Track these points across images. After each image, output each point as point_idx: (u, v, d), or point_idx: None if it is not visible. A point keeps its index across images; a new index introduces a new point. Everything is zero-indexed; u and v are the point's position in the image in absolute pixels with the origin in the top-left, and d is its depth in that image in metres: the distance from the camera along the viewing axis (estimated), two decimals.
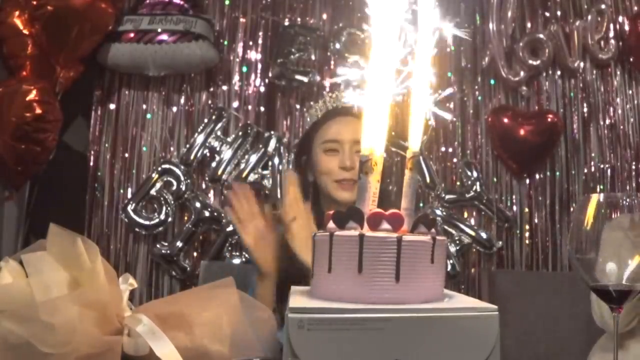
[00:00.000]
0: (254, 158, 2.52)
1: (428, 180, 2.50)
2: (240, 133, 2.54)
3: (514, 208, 2.52)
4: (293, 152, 2.54)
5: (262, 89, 2.62)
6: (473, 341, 0.61)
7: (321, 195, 1.54)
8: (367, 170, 0.70)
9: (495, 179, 2.55)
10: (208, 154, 2.53)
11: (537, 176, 2.54)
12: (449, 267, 2.39)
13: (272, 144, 2.54)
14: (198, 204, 2.47)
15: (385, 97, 0.75)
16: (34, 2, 2.29)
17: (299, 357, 0.59)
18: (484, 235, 2.46)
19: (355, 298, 0.63)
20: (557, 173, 2.53)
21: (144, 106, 2.59)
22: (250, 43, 2.64)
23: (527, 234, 2.51)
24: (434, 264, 0.65)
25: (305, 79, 2.57)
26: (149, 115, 2.58)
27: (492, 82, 2.60)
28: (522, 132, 2.46)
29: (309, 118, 1.67)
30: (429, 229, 0.68)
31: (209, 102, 2.59)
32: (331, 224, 0.67)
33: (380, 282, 0.63)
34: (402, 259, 0.63)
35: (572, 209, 2.45)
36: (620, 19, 2.55)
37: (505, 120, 2.49)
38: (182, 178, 2.48)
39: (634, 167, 2.51)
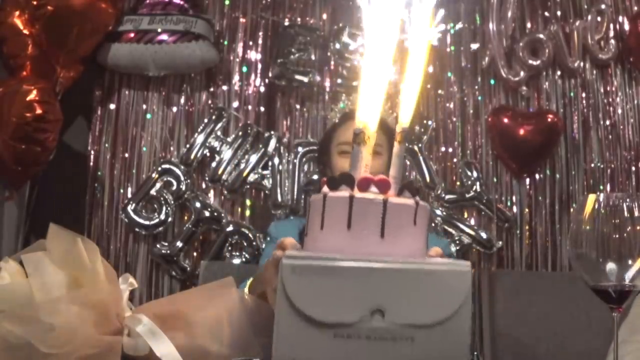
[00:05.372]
0: (254, 158, 2.52)
1: (428, 180, 2.50)
2: (240, 133, 2.54)
3: (514, 208, 2.52)
4: (293, 152, 2.54)
5: (262, 89, 2.62)
6: (447, 293, 0.66)
7: None
8: (359, 141, 0.76)
9: (495, 179, 2.54)
10: (208, 154, 2.53)
11: (537, 176, 2.54)
12: None
13: (272, 144, 2.54)
14: (198, 204, 2.47)
15: (382, 73, 0.80)
16: (34, 2, 2.29)
17: (291, 299, 0.66)
18: (484, 235, 2.45)
19: (344, 251, 0.69)
20: (557, 173, 2.53)
21: (144, 106, 2.59)
22: (250, 43, 2.64)
23: (527, 234, 2.51)
24: (416, 226, 0.72)
25: (305, 79, 2.57)
26: (149, 115, 2.58)
27: (492, 82, 2.59)
28: (522, 132, 2.46)
29: (330, 120, 1.69)
30: (413, 196, 0.74)
31: (209, 102, 2.60)
32: (325, 188, 0.73)
33: (367, 237, 0.69)
34: (387, 218, 0.70)
35: (572, 209, 2.45)
36: (620, 19, 2.55)
37: (505, 120, 2.49)
38: (182, 178, 2.48)
39: (633, 167, 2.51)
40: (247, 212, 2.52)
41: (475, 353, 2.42)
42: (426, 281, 0.67)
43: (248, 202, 2.53)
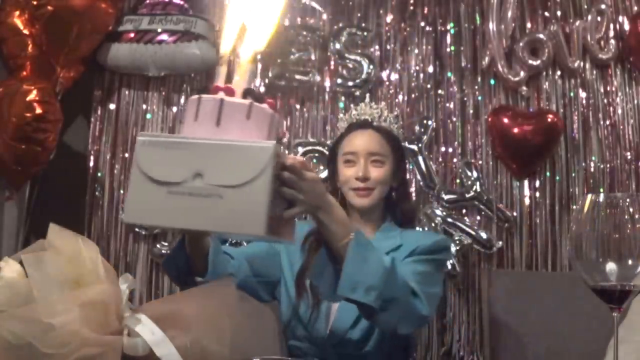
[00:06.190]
0: None
1: (428, 180, 2.50)
2: None
3: (514, 208, 2.52)
4: (293, 152, 2.54)
5: (262, 89, 2.62)
6: (249, 162, 0.88)
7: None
8: (221, 63, 1.00)
9: (495, 179, 2.54)
10: None
11: (537, 176, 2.54)
12: (449, 267, 2.38)
13: None
14: None
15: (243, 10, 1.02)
16: (34, 2, 2.29)
17: (139, 165, 0.92)
18: (484, 235, 2.45)
19: (193, 137, 0.93)
20: (557, 173, 2.53)
21: (144, 106, 2.59)
22: None
23: (527, 234, 2.50)
24: (249, 120, 0.94)
25: (305, 79, 2.57)
26: (149, 115, 2.58)
27: (492, 82, 2.59)
28: (522, 132, 2.46)
29: (337, 130, 1.77)
30: (257, 100, 0.96)
31: None
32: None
33: (207, 126, 0.93)
34: (223, 112, 0.92)
35: (572, 209, 2.45)
36: (620, 19, 2.55)
37: (505, 120, 2.49)
38: None
39: (633, 167, 2.51)
40: None
41: (475, 353, 2.43)
42: (233, 153, 0.89)
43: None
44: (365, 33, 2.61)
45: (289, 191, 1.01)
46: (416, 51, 2.63)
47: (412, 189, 2.47)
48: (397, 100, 2.61)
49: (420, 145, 2.52)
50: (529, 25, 2.59)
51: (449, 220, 2.46)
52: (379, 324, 1.32)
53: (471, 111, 2.59)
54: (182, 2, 2.54)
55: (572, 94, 2.56)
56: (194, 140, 0.91)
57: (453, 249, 2.41)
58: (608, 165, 2.51)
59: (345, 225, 1.17)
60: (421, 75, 2.61)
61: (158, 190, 0.90)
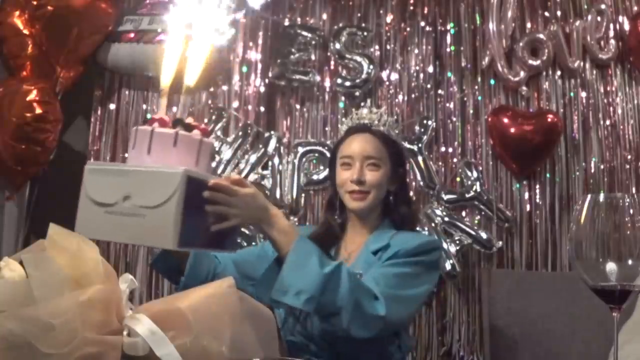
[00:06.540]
0: (253, 158, 2.52)
1: (428, 180, 2.50)
2: (240, 133, 2.54)
3: (514, 208, 2.52)
4: (293, 152, 2.54)
5: (262, 89, 2.62)
6: (163, 186, 1.02)
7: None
8: (162, 96, 1.13)
9: (495, 179, 2.54)
10: None
11: (537, 176, 2.54)
12: (449, 267, 2.38)
13: (272, 144, 2.54)
14: None
15: (176, 49, 1.13)
16: (34, 2, 2.29)
17: (86, 189, 1.10)
18: (484, 235, 2.45)
19: (125, 165, 1.09)
20: (557, 173, 2.53)
21: (144, 106, 2.59)
22: (250, 43, 2.64)
23: (527, 234, 2.50)
24: (176, 147, 1.06)
25: (305, 79, 2.57)
26: (149, 116, 2.58)
27: (492, 82, 2.59)
28: (522, 132, 2.46)
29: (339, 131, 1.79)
30: (186, 129, 1.08)
31: (209, 102, 2.59)
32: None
33: (140, 154, 1.07)
34: (153, 141, 1.06)
35: (572, 209, 2.45)
36: (620, 19, 2.55)
37: (505, 120, 2.49)
38: None
39: (633, 167, 2.51)
40: None
41: (475, 353, 2.43)
42: (151, 178, 1.03)
43: None
44: (365, 33, 2.61)
45: (211, 208, 1.12)
46: (416, 51, 2.63)
47: (412, 189, 2.47)
48: (397, 100, 2.61)
49: (420, 145, 2.52)
50: (529, 25, 2.59)
51: (449, 220, 2.47)
52: (330, 327, 1.34)
53: (471, 111, 2.59)
54: None
55: (572, 94, 2.56)
56: (125, 167, 1.07)
57: (453, 249, 2.41)
58: (608, 166, 2.51)
59: (288, 234, 1.26)
60: (421, 75, 2.62)
61: (98, 210, 1.07)
